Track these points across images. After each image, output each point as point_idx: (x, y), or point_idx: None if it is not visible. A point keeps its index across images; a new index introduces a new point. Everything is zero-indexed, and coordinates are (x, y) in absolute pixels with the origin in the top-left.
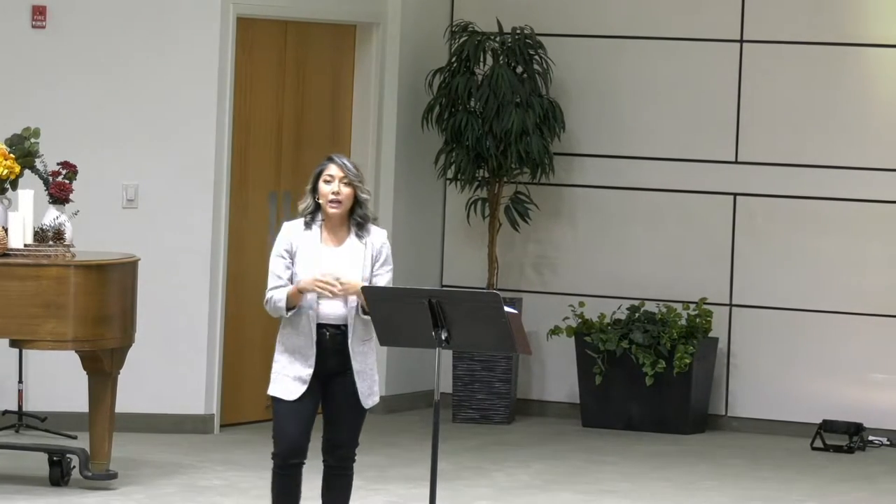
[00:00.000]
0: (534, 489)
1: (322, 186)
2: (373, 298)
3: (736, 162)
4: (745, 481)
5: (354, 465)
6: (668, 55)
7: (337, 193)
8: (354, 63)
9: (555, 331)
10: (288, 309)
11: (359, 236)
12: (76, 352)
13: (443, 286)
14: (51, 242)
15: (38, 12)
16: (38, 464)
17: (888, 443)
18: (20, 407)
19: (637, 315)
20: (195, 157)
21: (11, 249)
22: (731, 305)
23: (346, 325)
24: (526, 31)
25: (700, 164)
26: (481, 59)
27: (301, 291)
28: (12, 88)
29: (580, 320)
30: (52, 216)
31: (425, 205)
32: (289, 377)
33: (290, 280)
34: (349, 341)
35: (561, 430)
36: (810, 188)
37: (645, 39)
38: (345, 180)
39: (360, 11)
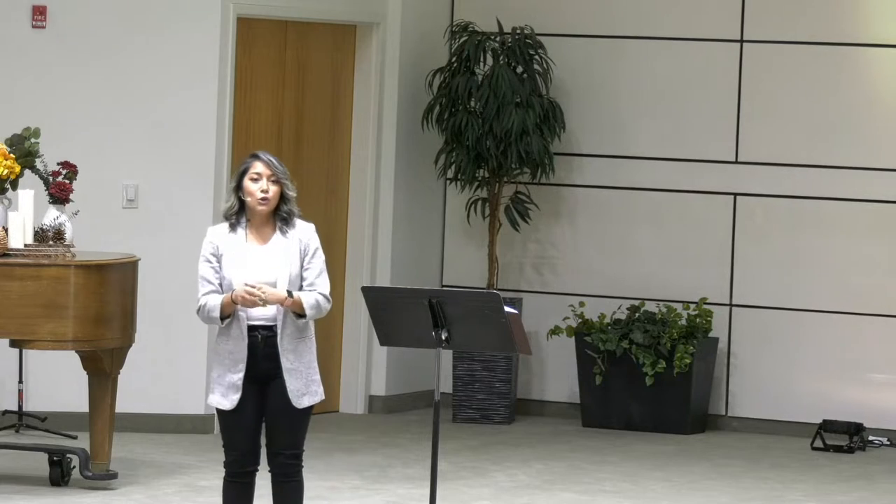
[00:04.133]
0: (534, 489)
1: (248, 184)
2: (373, 298)
3: (736, 162)
4: (745, 481)
5: (303, 471)
6: (668, 55)
7: (265, 192)
8: (354, 63)
9: (555, 331)
10: (223, 318)
11: (283, 232)
12: (76, 352)
13: (443, 286)
14: (51, 242)
15: (38, 12)
16: (38, 464)
17: (888, 443)
18: (20, 407)
19: (637, 315)
20: (195, 157)
21: (11, 249)
22: (731, 305)
23: (276, 325)
24: (526, 31)
25: (700, 164)
26: (481, 59)
27: (234, 302)
28: (12, 88)
29: (580, 320)
30: (52, 216)
31: (425, 205)
32: (223, 385)
33: (221, 284)
34: (278, 339)
35: (561, 430)
36: (810, 188)
37: (645, 39)
38: (272, 178)
39: (360, 11)
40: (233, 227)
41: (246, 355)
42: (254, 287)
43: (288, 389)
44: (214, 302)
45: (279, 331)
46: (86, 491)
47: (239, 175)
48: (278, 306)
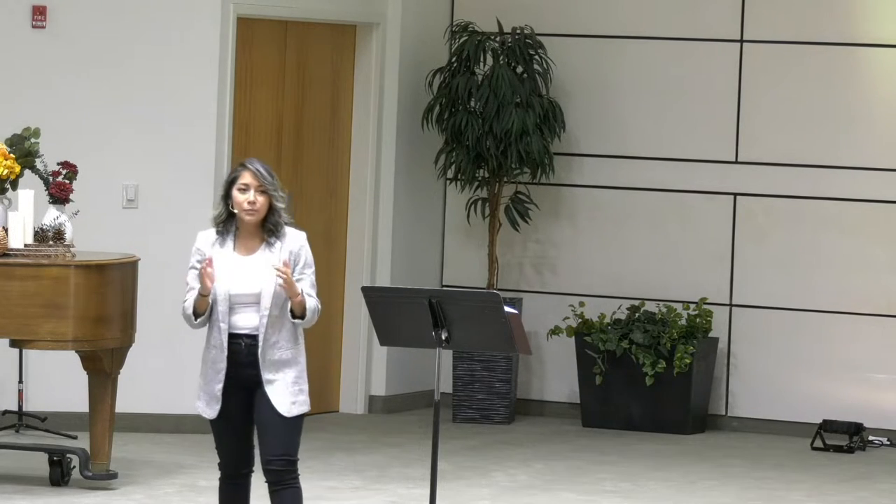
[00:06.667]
0: (534, 489)
1: (236, 195)
2: (373, 298)
3: (736, 162)
4: (745, 481)
5: (299, 478)
6: (668, 55)
7: (252, 203)
8: (354, 63)
9: (555, 331)
10: (196, 316)
11: (270, 244)
12: (76, 352)
13: (443, 286)
14: (51, 242)
15: (38, 12)
16: (38, 464)
17: (888, 443)
18: (20, 407)
19: (637, 315)
20: (195, 157)
21: (11, 249)
22: (731, 305)
23: (258, 336)
24: (526, 31)
25: (700, 164)
26: (481, 59)
27: (201, 294)
28: (12, 88)
29: (580, 320)
30: (52, 216)
31: (425, 205)
32: (205, 394)
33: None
34: (259, 351)
35: (561, 430)
36: (810, 188)
37: (645, 39)
38: (260, 189)
39: (360, 11)
40: (221, 235)
41: (226, 365)
42: (284, 269)
43: (272, 401)
44: (189, 301)
45: (260, 342)
46: (86, 491)
47: (227, 184)
48: (261, 315)
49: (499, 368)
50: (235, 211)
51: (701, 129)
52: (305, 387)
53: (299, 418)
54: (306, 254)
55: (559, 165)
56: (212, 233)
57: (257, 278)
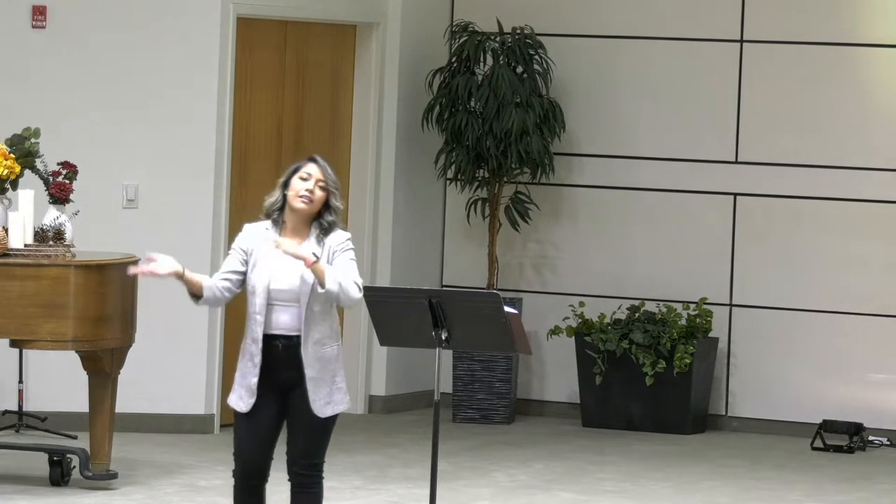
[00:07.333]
0: (534, 489)
1: (295, 182)
2: (373, 298)
3: (736, 162)
4: (745, 481)
5: (322, 482)
6: (668, 55)
7: (310, 192)
8: (354, 63)
9: (555, 331)
10: (193, 296)
11: (319, 240)
12: (76, 352)
13: (443, 286)
14: (51, 242)
15: (38, 12)
16: (38, 464)
17: (888, 443)
18: (20, 407)
19: (637, 315)
20: (195, 157)
21: (11, 249)
22: (731, 305)
23: (298, 336)
24: (526, 31)
25: (700, 164)
26: (481, 59)
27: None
28: (12, 88)
29: (580, 320)
30: (52, 216)
31: (425, 205)
32: (242, 387)
33: (243, 282)
34: (301, 349)
35: (561, 430)
36: (810, 188)
37: (645, 39)
38: (321, 183)
39: (360, 11)
40: (271, 225)
41: (261, 358)
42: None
43: (310, 399)
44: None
45: (303, 339)
46: (86, 491)
47: (290, 172)
48: (301, 315)
49: (499, 368)
50: (288, 195)
51: (701, 129)
52: (343, 384)
53: (332, 419)
54: (344, 247)
55: (559, 165)
56: (259, 226)
57: (298, 275)
